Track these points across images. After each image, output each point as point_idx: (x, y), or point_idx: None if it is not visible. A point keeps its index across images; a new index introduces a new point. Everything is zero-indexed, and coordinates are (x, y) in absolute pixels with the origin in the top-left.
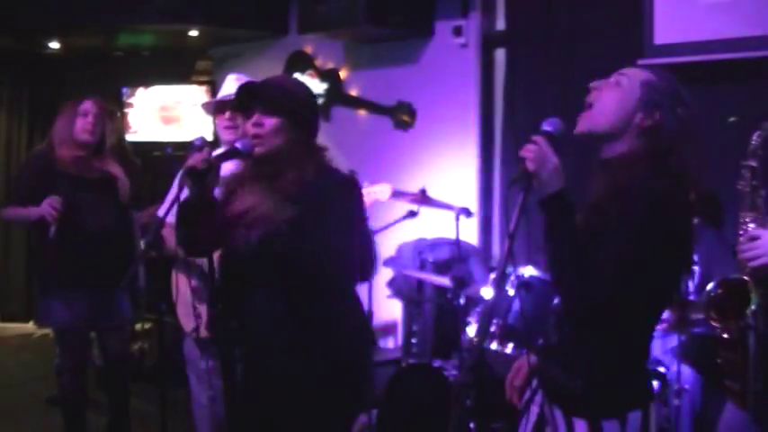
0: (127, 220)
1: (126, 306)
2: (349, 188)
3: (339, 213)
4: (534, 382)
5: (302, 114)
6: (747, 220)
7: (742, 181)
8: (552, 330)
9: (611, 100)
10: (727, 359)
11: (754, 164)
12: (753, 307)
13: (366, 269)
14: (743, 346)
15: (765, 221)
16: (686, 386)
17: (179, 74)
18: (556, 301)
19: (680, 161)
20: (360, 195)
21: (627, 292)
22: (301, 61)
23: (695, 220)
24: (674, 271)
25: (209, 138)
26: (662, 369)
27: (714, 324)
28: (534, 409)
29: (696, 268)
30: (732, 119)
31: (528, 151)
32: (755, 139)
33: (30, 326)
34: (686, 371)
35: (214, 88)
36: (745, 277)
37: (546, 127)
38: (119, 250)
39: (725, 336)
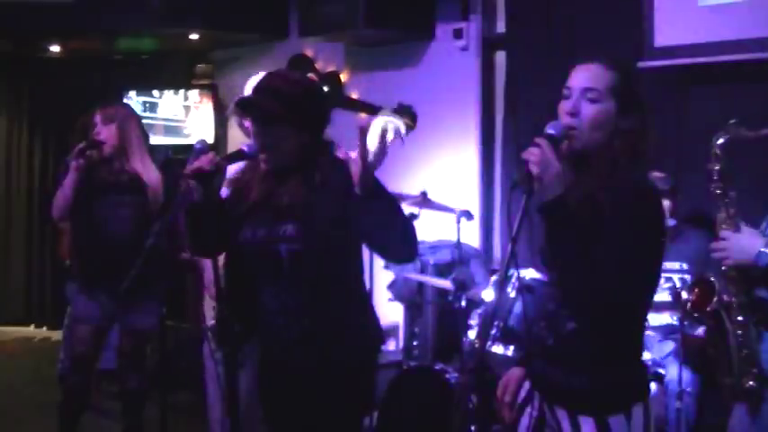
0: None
1: (152, 313)
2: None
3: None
4: (526, 389)
5: (303, 115)
6: (721, 221)
7: (713, 184)
8: (545, 333)
9: (594, 115)
10: (711, 356)
11: (718, 167)
12: (729, 305)
13: (405, 250)
14: (721, 343)
15: (737, 223)
16: (685, 388)
17: (179, 78)
18: (550, 304)
19: (647, 150)
20: None
21: (636, 289)
22: (302, 64)
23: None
24: (660, 263)
25: (210, 141)
26: (661, 371)
27: (698, 322)
28: (531, 413)
29: (686, 266)
30: (732, 121)
31: (531, 154)
32: (719, 140)
33: (30, 329)
34: (683, 372)
35: (215, 92)
36: (715, 276)
37: (549, 130)
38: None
39: (705, 333)
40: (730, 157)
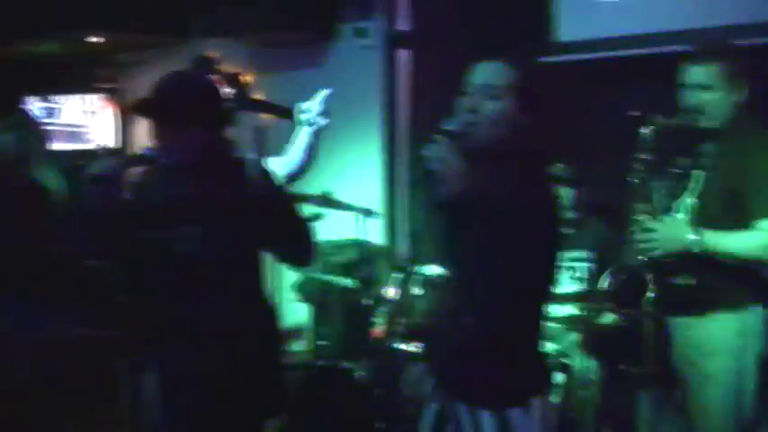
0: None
1: (61, 321)
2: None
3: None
4: (429, 385)
5: (202, 115)
6: (639, 211)
7: (633, 174)
8: (446, 328)
9: (493, 112)
10: (626, 345)
11: (645, 157)
12: (650, 294)
13: (303, 252)
14: (640, 332)
15: (657, 213)
16: (591, 377)
17: (81, 82)
18: (450, 299)
19: (547, 146)
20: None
21: (533, 284)
22: (204, 65)
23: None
24: (558, 256)
25: (113, 145)
26: (566, 361)
27: (613, 312)
28: (433, 408)
29: (588, 255)
30: (633, 113)
31: (430, 151)
32: (646, 132)
33: None
34: (589, 362)
35: (118, 96)
36: (639, 265)
37: (448, 126)
38: (46, 262)
39: (623, 322)
40: (657, 147)
